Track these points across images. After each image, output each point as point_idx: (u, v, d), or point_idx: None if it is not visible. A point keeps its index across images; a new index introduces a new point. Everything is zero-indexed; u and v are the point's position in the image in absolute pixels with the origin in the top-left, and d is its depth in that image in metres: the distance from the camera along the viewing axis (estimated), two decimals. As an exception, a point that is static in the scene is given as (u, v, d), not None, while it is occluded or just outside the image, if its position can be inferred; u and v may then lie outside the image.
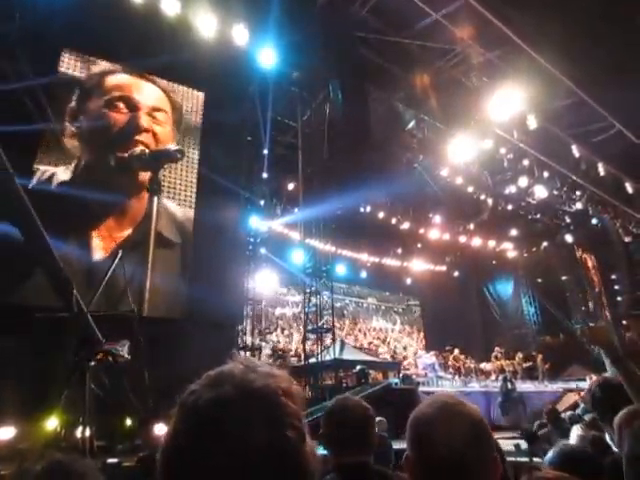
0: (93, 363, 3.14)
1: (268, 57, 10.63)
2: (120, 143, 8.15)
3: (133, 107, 8.61)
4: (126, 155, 7.06)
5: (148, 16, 9.05)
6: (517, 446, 5.33)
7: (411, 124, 14.06)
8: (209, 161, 9.85)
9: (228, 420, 0.66)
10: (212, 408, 0.67)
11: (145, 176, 7.95)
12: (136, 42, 8.62)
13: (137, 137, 8.43)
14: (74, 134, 8.21)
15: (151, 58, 8.77)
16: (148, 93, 8.98)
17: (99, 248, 7.79)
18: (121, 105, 8.54)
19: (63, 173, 7.90)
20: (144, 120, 8.53)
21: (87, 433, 3.02)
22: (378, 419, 6.15)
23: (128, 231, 8.04)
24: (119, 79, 8.82)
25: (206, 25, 9.69)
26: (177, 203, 9.19)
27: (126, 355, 6.04)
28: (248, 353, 11.71)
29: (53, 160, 7.95)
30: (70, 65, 8.67)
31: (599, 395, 2.40)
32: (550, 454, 1.87)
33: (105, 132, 8.28)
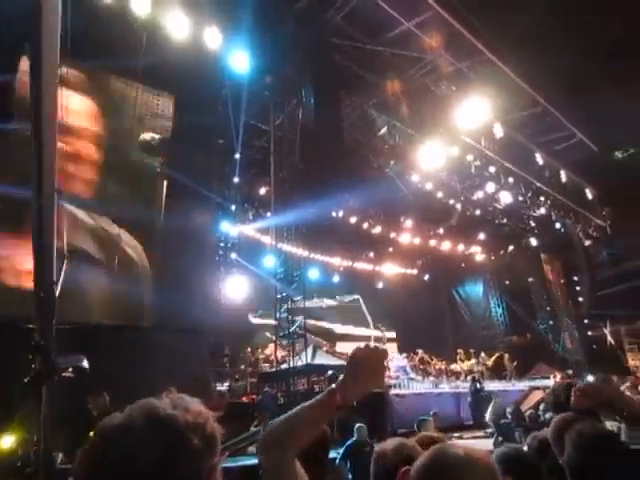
0: (50, 378, 3.03)
1: (241, 61, 10.54)
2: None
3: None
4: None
5: (117, 17, 8.85)
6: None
7: (383, 130, 14.24)
8: (179, 165, 9.70)
9: (129, 447, 0.70)
10: (116, 434, 0.72)
11: None
12: (104, 44, 8.43)
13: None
14: None
15: (120, 61, 8.60)
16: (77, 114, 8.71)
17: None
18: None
19: None
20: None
21: (42, 451, 2.89)
22: (358, 425, 6.19)
23: None
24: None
25: (178, 27, 9.51)
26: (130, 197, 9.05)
27: (86, 366, 5.89)
28: (218, 360, 11.61)
29: None
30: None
31: (563, 400, 2.45)
32: (494, 455, 1.83)
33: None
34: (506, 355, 17.57)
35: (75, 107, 8.76)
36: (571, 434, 1.81)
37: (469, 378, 14.04)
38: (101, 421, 0.77)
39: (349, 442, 5.82)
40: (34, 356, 2.49)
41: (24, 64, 8.24)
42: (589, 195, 17.95)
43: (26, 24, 7.54)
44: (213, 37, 9.98)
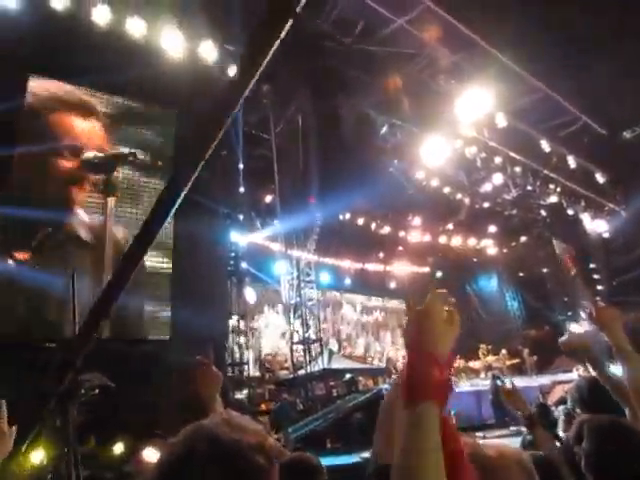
0: (78, 396, 3.05)
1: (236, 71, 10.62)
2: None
3: (76, 154, 8.48)
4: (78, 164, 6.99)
5: (115, 39, 9.02)
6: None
7: (384, 129, 14.20)
8: (184, 179, 9.75)
9: (193, 476, 0.70)
10: (186, 463, 0.71)
11: (93, 179, 7.78)
12: (103, 65, 8.54)
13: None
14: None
15: (120, 81, 8.71)
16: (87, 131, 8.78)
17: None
18: (66, 153, 8.45)
19: None
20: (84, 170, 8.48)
21: (71, 464, 2.93)
22: None
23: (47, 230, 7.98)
24: (64, 121, 8.70)
25: (173, 44, 9.66)
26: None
27: (112, 385, 5.95)
28: (236, 368, 11.58)
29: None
30: (38, 91, 8.61)
31: (588, 397, 2.36)
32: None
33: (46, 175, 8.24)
34: (525, 350, 17.25)
35: (83, 127, 8.95)
36: (589, 424, 1.78)
37: (489, 375, 13.81)
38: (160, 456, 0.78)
39: None
40: (62, 374, 2.50)
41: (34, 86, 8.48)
42: (600, 179, 17.65)
43: (30, 49, 7.78)
44: (208, 51, 10.12)
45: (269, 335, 15.20)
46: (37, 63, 8.34)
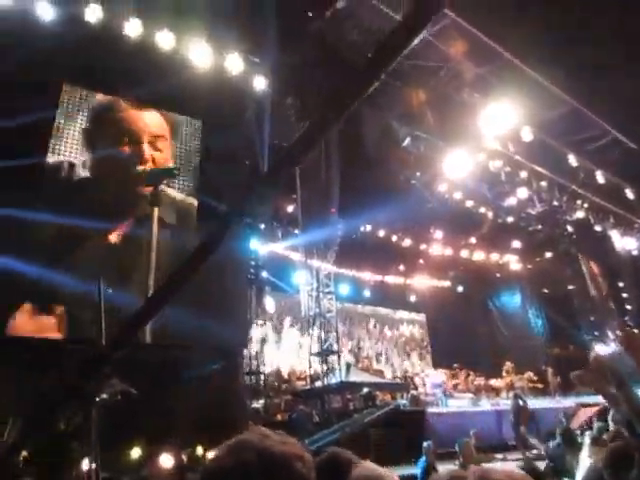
0: (100, 398, 3.10)
1: (262, 83, 10.79)
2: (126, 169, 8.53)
3: (136, 140, 8.93)
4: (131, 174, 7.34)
5: (144, 51, 9.33)
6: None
7: (407, 141, 14.15)
8: (208, 187, 9.91)
9: None
10: (235, 473, 0.74)
11: (145, 190, 8.15)
12: (133, 75, 8.84)
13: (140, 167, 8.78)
14: (83, 164, 8.60)
15: (148, 91, 8.95)
16: (149, 121, 9.34)
17: (97, 253, 8.18)
18: (125, 139, 8.89)
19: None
20: (146, 152, 8.87)
21: (93, 467, 2.98)
22: (426, 444, 6.01)
23: (120, 238, 8.42)
24: (122, 112, 9.14)
25: (201, 56, 9.93)
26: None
27: (133, 391, 6.01)
28: (253, 377, 11.57)
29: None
30: (70, 99, 8.95)
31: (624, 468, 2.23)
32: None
33: (112, 159, 8.62)
34: (549, 369, 16.78)
35: (157, 123, 9.39)
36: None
37: (510, 394, 13.45)
38: (203, 467, 0.81)
39: (422, 463, 5.70)
40: (87, 377, 2.53)
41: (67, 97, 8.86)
42: (630, 195, 17.18)
43: (64, 59, 8.09)
44: (235, 63, 10.35)
45: (286, 345, 15.18)
46: (70, 72, 8.68)
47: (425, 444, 5.99)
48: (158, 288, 1.17)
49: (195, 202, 9.59)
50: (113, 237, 8.43)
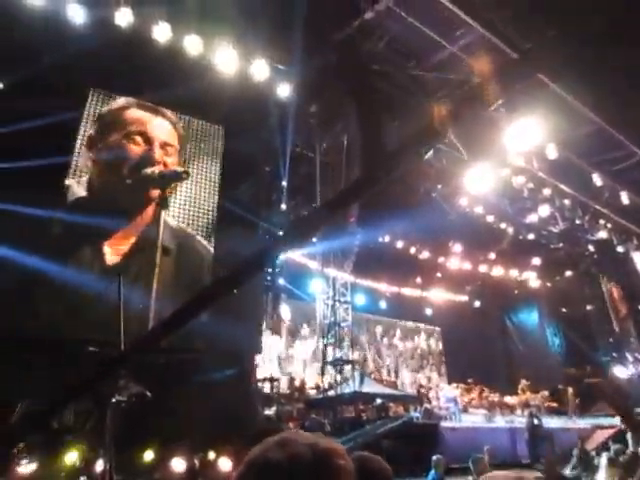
0: (114, 400, 3.13)
1: (286, 91, 10.86)
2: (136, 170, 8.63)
3: (148, 140, 9.05)
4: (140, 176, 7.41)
5: (172, 56, 9.43)
6: None
7: (429, 154, 14.09)
8: (228, 193, 9.99)
9: (301, 475, 0.75)
10: (289, 463, 0.76)
11: (154, 193, 8.25)
12: (159, 81, 8.96)
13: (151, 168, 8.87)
14: (90, 159, 8.71)
15: (173, 96, 9.07)
16: (161, 128, 9.41)
17: (108, 255, 8.24)
18: (138, 138, 9.01)
19: (78, 188, 8.42)
20: (157, 153, 8.99)
21: (107, 468, 3.00)
22: (435, 458, 5.93)
23: (132, 239, 8.45)
24: (136, 114, 9.29)
25: (227, 61, 10.00)
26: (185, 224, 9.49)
27: (148, 394, 6.05)
28: (267, 384, 11.56)
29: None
30: (96, 102, 9.12)
31: None
32: None
33: (123, 160, 8.74)
34: (569, 389, 16.48)
35: (169, 131, 9.52)
36: None
37: (526, 413, 13.23)
38: (249, 459, 0.81)
39: (432, 476, 5.62)
40: (103, 378, 2.57)
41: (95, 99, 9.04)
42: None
43: (93, 62, 8.25)
44: (260, 69, 10.40)
45: (301, 353, 15.15)
46: (98, 75, 8.83)
47: (435, 457, 5.91)
48: (185, 304, 1.19)
49: (210, 246, 9.58)
50: (124, 238, 8.52)
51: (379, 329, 18.64)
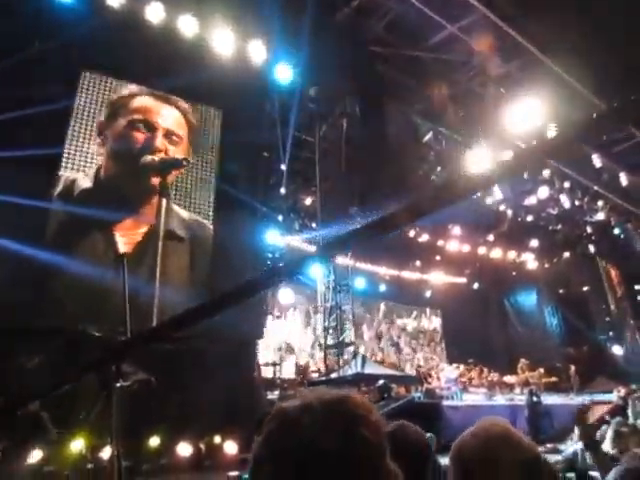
0: (119, 385, 3.14)
1: (285, 73, 10.72)
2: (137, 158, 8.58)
3: (152, 128, 8.99)
4: (139, 164, 7.37)
5: (166, 37, 9.24)
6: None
7: (428, 136, 14.04)
8: (227, 177, 9.92)
9: (311, 422, 0.76)
10: (298, 412, 0.78)
11: (156, 181, 8.24)
12: (154, 63, 8.78)
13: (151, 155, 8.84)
14: (100, 144, 8.70)
15: (169, 78, 8.92)
16: (167, 116, 9.32)
17: (122, 245, 8.25)
18: (141, 126, 8.94)
19: (83, 180, 8.35)
20: (159, 142, 8.95)
21: (114, 454, 3.02)
22: (427, 436, 6.00)
23: (144, 229, 8.47)
24: (143, 102, 9.20)
25: (224, 43, 9.82)
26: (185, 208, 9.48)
27: (153, 380, 6.08)
28: (270, 368, 11.68)
29: (75, 165, 8.43)
30: (90, 86, 8.94)
31: None
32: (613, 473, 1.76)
33: (126, 148, 8.68)
34: (572, 367, 16.81)
35: (175, 118, 9.44)
36: None
37: (525, 390, 13.46)
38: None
39: None
40: (108, 363, 2.57)
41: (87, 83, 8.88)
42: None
43: (84, 43, 8.07)
44: (258, 51, 10.24)
45: (303, 337, 15.27)
46: (90, 56, 8.64)
47: (427, 435, 5.95)
48: (195, 307, 1.21)
49: (210, 225, 9.56)
50: (136, 227, 8.51)
51: (379, 312, 18.77)
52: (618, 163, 13.91)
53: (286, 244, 14.53)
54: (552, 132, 11.62)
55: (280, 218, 13.85)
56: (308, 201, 14.90)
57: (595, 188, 14.46)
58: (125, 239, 8.28)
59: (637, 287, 19.66)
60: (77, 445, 6.41)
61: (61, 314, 7.40)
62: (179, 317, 1.28)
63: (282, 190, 13.55)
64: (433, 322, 20.56)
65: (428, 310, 20.51)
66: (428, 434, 5.88)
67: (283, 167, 12.92)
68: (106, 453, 6.25)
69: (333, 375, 11.42)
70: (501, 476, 1.07)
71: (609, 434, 4.18)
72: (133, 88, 9.19)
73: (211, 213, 9.75)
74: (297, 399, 0.83)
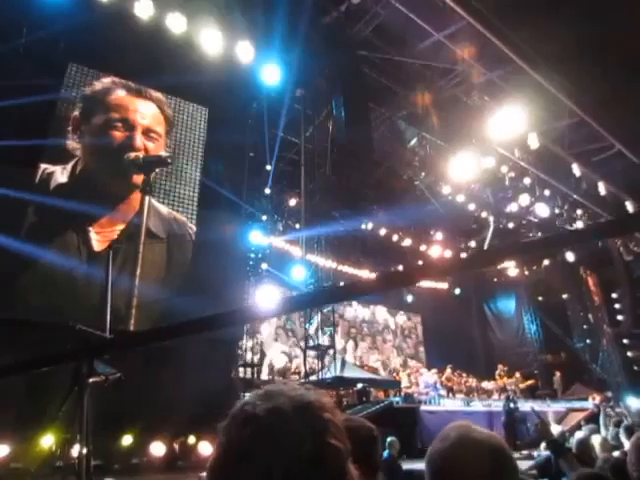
0: (91, 380, 3.08)
1: (272, 74, 10.73)
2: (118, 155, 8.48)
3: (130, 127, 8.90)
4: (124, 160, 7.30)
5: (154, 33, 9.20)
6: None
7: (413, 141, 14.16)
8: (211, 176, 9.87)
9: (282, 428, 0.73)
10: (268, 416, 0.74)
11: (138, 178, 8.16)
12: (141, 59, 8.75)
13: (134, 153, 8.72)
14: (76, 139, 8.59)
15: (156, 75, 8.88)
16: (145, 112, 9.24)
17: (96, 242, 8.17)
18: (119, 125, 8.84)
19: (61, 175, 8.23)
20: (139, 140, 8.87)
21: (84, 452, 2.96)
22: (390, 439, 6.02)
23: (121, 226, 8.39)
24: (120, 99, 9.08)
25: (211, 42, 9.82)
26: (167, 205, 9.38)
27: (121, 377, 5.96)
28: (248, 370, 11.59)
29: (54, 158, 8.33)
30: (75, 80, 8.86)
31: None
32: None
33: (104, 145, 8.59)
34: (557, 373, 17.12)
35: (153, 115, 9.35)
36: None
37: (503, 397, 13.59)
38: (233, 411, 0.81)
39: (385, 456, 5.64)
40: (82, 359, 2.52)
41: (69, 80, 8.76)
42: (630, 208, 17.24)
43: (71, 38, 7.98)
44: (245, 51, 10.25)
45: (282, 338, 15.22)
46: (77, 51, 8.58)
47: (389, 439, 5.95)
48: (171, 326, 1.23)
49: (191, 226, 9.48)
50: (112, 225, 8.40)
51: (360, 315, 18.79)
52: (597, 172, 14.18)
53: (269, 245, 14.50)
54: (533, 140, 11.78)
55: (264, 218, 13.82)
56: (292, 202, 14.88)
57: (574, 196, 14.70)
58: (99, 237, 8.18)
59: (614, 295, 19.99)
60: (46, 441, 6.28)
61: (30, 308, 7.26)
62: (164, 329, 1.29)
63: (267, 190, 13.53)
64: (413, 327, 20.65)
65: (409, 314, 20.59)
66: (389, 438, 5.88)
67: (268, 167, 12.91)
68: (76, 451, 6.12)
69: (312, 378, 11.38)
70: (470, 473, 1.08)
71: (575, 440, 4.28)
72: (106, 82, 9.08)
73: (195, 210, 9.69)
74: (265, 395, 0.79)
